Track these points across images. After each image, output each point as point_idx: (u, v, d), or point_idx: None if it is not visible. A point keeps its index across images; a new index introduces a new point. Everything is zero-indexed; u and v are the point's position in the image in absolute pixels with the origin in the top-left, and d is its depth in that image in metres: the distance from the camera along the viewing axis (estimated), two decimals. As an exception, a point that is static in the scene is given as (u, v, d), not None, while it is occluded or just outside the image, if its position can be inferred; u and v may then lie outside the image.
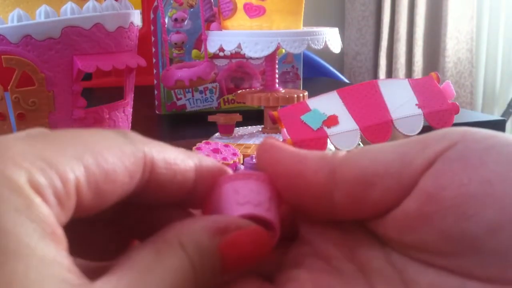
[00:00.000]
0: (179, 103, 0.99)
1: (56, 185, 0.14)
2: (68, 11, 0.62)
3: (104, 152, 0.15)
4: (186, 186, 0.18)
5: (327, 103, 0.53)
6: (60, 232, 0.14)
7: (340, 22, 2.33)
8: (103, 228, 0.19)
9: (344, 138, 0.51)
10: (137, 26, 0.73)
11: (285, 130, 0.53)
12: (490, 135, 0.16)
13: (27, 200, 0.13)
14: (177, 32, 0.96)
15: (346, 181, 0.17)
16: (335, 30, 0.79)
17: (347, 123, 0.52)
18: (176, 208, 0.20)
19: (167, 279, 0.15)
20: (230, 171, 0.20)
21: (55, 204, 0.14)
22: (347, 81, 1.67)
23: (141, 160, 0.16)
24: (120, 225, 0.20)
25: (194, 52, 0.94)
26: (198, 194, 0.19)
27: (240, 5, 0.74)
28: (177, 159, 0.17)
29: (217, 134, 0.81)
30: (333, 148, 0.55)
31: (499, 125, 1.00)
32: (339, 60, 2.28)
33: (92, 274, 0.14)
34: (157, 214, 0.20)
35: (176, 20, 0.95)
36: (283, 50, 0.92)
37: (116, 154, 0.15)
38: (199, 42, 0.93)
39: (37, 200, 0.13)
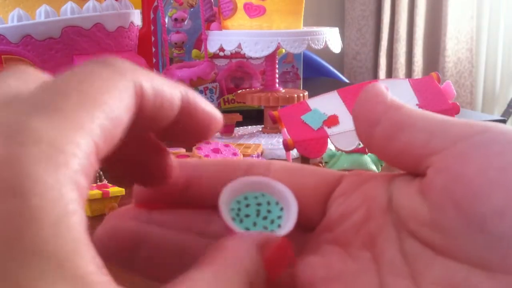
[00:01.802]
0: (179, 103, 0.99)
1: (84, 163, 0.14)
2: (68, 11, 0.62)
3: (109, 101, 0.15)
4: (171, 114, 0.18)
5: (328, 103, 0.53)
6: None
7: (340, 22, 2.33)
8: None
9: (344, 138, 0.51)
10: (137, 26, 0.73)
11: (285, 130, 0.52)
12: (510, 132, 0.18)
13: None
14: (177, 32, 0.96)
15: None
16: (335, 30, 0.79)
17: (347, 123, 0.52)
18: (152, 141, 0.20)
19: None
20: (217, 114, 0.20)
21: (84, 182, 0.14)
22: (347, 81, 1.67)
23: (133, 92, 0.16)
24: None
25: (194, 52, 0.94)
26: (182, 125, 0.19)
27: (240, 5, 0.74)
28: (164, 85, 0.18)
29: (217, 134, 0.81)
30: (333, 148, 0.55)
31: (499, 125, 1.00)
32: (339, 60, 2.28)
33: None
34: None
35: (176, 20, 0.95)
36: (283, 50, 0.92)
37: (117, 97, 0.16)
38: (199, 42, 0.93)
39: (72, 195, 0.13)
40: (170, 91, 0.18)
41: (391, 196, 0.20)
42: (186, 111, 0.18)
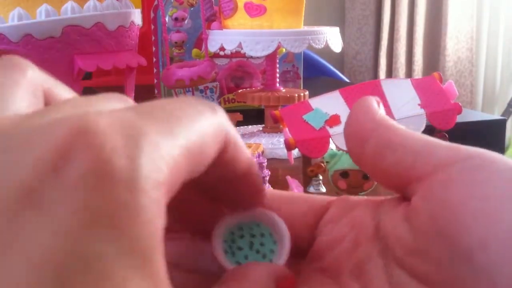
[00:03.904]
0: (180, 102, 0.99)
1: (166, 181, 0.13)
2: (68, 10, 0.62)
3: (196, 128, 0.15)
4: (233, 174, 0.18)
5: (329, 103, 0.53)
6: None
7: (340, 21, 2.33)
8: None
9: (346, 137, 0.51)
10: (138, 25, 0.73)
11: (287, 129, 0.52)
12: (501, 161, 0.17)
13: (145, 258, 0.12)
14: (178, 31, 0.96)
15: None
16: (336, 30, 0.79)
17: (348, 123, 0.52)
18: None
19: None
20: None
21: (163, 202, 0.13)
22: (347, 80, 1.67)
23: (223, 135, 0.16)
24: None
25: (195, 51, 0.94)
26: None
27: (240, 4, 0.74)
28: (248, 153, 0.18)
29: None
30: (334, 148, 0.55)
31: (499, 125, 1.00)
32: (339, 59, 2.28)
33: None
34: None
35: (176, 19, 0.95)
36: (284, 49, 0.92)
37: (208, 130, 0.15)
38: (200, 41, 0.93)
39: (156, 260, 0.12)
40: (252, 161, 0.18)
41: (378, 222, 0.19)
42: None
